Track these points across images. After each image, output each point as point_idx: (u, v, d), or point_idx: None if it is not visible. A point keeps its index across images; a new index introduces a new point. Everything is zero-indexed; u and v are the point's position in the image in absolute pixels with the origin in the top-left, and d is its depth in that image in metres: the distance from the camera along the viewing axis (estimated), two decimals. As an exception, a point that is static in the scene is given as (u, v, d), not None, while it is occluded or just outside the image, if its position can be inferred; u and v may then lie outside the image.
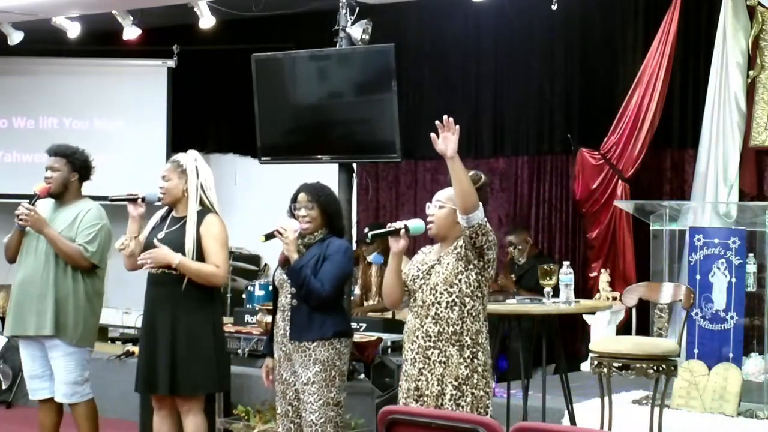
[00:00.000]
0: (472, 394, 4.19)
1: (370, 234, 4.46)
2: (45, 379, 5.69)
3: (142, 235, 5.24)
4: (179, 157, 5.24)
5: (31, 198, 5.58)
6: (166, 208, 5.28)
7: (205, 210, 5.17)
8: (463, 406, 4.18)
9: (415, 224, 4.34)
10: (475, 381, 4.21)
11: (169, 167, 5.20)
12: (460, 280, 4.21)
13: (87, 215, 5.57)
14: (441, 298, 4.22)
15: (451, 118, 4.09)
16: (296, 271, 4.77)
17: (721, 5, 7.22)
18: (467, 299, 4.22)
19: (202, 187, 5.17)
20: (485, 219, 4.15)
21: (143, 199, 5.24)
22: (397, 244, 4.33)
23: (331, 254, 4.83)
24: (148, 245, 5.17)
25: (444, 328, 4.21)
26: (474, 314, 4.23)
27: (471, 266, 4.22)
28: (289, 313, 4.86)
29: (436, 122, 4.10)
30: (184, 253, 5.05)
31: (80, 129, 9.86)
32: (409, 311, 4.34)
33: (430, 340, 4.22)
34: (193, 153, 5.25)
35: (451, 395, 4.18)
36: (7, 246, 5.72)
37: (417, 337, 4.26)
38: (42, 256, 5.57)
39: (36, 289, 5.55)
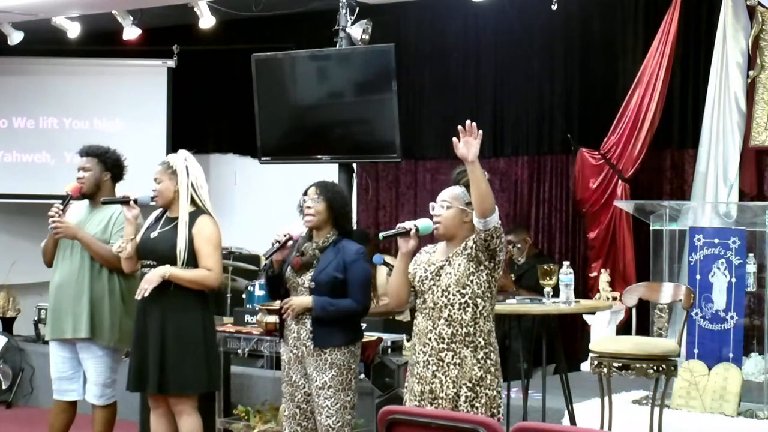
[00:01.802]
0: (486, 395, 4.19)
1: (381, 235, 4.44)
2: (74, 381, 5.67)
3: (138, 235, 5.25)
4: (169, 158, 5.26)
5: (64, 198, 5.58)
6: (161, 208, 5.28)
7: (198, 211, 5.18)
8: (477, 408, 4.17)
9: (425, 224, 4.31)
10: (488, 382, 4.20)
11: (159, 169, 5.20)
12: (471, 281, 4.19)
13: (120, 216, 5.50)
14: (453, 299, 4.20)
15: (474, 123, 4.07)
16: (321, 313, 4.72)
17: (721, 5, 7.22)
18: (479, 300, 4.20)
19: (192, 186, 5.17)
20: (500, 221, 4.15)
21: (135, 201, 5.25)
22: (407, 245, 4.31)
23: (350, 262, 4.76)
24: (144, 244, 5.20)
25: (457, 330, 4.20)
26: (485, 314, 4.23)
27: (482, 267, 4.20)
28: (308, 319, 4.80)
29: (459, 127, 4.08)
30: (176, 254, 5.07)
31: (80, 129, 9.85)
32: (419, 313, 4.32)
33: (443, 342, 4.21)
34: (183, 153, 5.26)
35: (466, 397, 4.17)
36: (44, 251, 5.71)
37: (429, 339, 4.24)
38: (77, 259, 5.56)
39: (71, 292, 5.54)
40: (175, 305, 5.11)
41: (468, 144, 4.05)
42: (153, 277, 5.05)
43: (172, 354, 5.10)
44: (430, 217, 4.32)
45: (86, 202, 5.67)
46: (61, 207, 5.53)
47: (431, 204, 4.32)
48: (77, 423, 5.82)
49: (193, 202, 5.17)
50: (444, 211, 4.26)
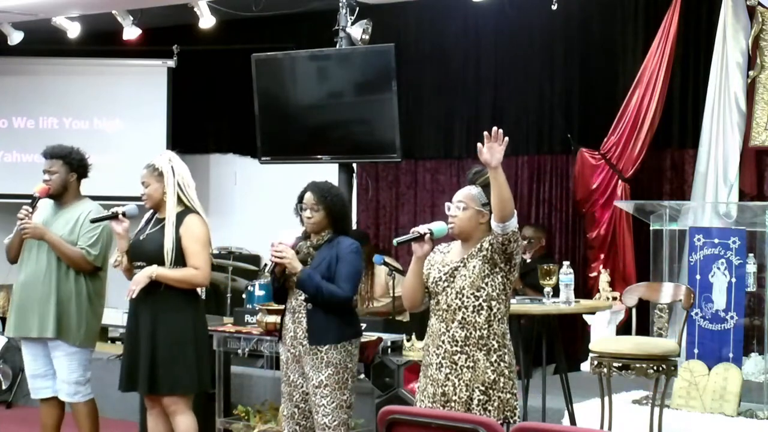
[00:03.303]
0: (499, 398, 4.17)
1: (395, 241, 4.43)
2: (47, 379, 5.73)
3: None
4: (154, 160, 5.27)
5: (31, 200, 5.61)
6: (151, 210, 5.31)
7: (186, 210, 5.21)
8: (490, 411, 4.15)
9: (439, 227, 4.28)
10: (501, 384, 4.19)
11: (145, 173, 5.23)
12: (486, 284, 4.18)
13: (88, 218, 5.58)
14: (468, 302, 4.18)
15: (500, 130, 4.05)
16: (305, 280, 4.74)
17: (721, 5, 7.22)
18: (493, 302, 4.19)
19: (179, 185, 5.20)
20: (518, 226, 4.14)
21: (124, 215, 5.26)
22: (421, 249, 4.27)
23: (343, 254, 4.80)
24: (134, 246, 5.24)
25: (471, 333, 4.18)
26: (499, 317, 4.21)
27: (497, 269, 4.19)
28: (305, 317, 4.82)
29: (485, 133, 4.07)
30: (164, 254, 5.09)
31: (80, 129, 9.85)
32: (432, 314, 4.30)
33: (456, 345, 4.19)
34: (167, 154, 5.30)
35: (479, 400, 4.16)
36: (9, 248, 5.76)
37: (443, 341, 4.22)
38: (44, 259, 5.61)
39: (38, 292, 5.59)
40: (165, 306, 5.14)
41: (492, 150, 4.04)
42: (140, 278, 5.09)
43: (162, 354, 5.13)
44: (444, 218, 4.31)
45: (51, 202, 5.70)
46: (30, 209, 5.57)
47: (446, 204, 4.29)
48: (70, 422, 5.83)
49: (180, 201, 5.20)
50: (460, 212, 4.24)
